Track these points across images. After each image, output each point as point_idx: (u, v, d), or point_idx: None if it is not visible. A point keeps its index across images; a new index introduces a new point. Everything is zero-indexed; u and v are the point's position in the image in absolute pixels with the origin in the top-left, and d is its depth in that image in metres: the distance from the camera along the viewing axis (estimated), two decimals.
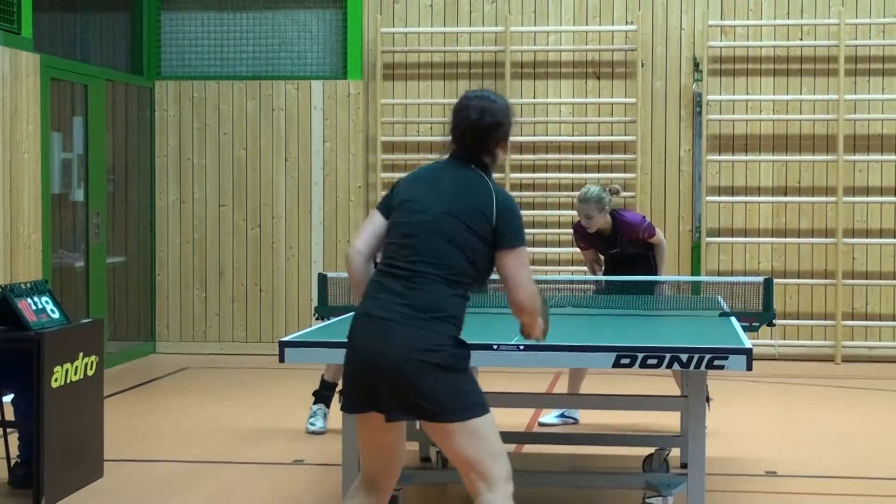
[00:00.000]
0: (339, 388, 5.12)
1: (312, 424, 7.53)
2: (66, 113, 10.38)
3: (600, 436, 6.89)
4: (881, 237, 10.91)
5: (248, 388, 9.43)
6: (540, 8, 11.18)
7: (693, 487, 5.01)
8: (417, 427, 6.19)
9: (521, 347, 4.71)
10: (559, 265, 11.01)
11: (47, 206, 9.40)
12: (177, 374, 10.27)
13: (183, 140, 11.37)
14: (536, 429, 7.66)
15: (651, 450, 6.33)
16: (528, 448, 6.96)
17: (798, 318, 10.95)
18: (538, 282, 4.16)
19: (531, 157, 11.17)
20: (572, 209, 10.30)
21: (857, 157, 10.87)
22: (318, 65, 11.49)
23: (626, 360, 4.71)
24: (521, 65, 11.21)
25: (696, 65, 10.97)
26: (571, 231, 7.89)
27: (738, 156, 11.01)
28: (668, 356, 4.68)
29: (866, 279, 10.92)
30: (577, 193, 7.63)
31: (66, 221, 10.31)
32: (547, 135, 11.23)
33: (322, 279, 6.66)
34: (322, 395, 7.55)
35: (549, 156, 11.19)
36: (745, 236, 11.03)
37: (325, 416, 7.55)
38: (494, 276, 4.13)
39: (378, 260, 4.15)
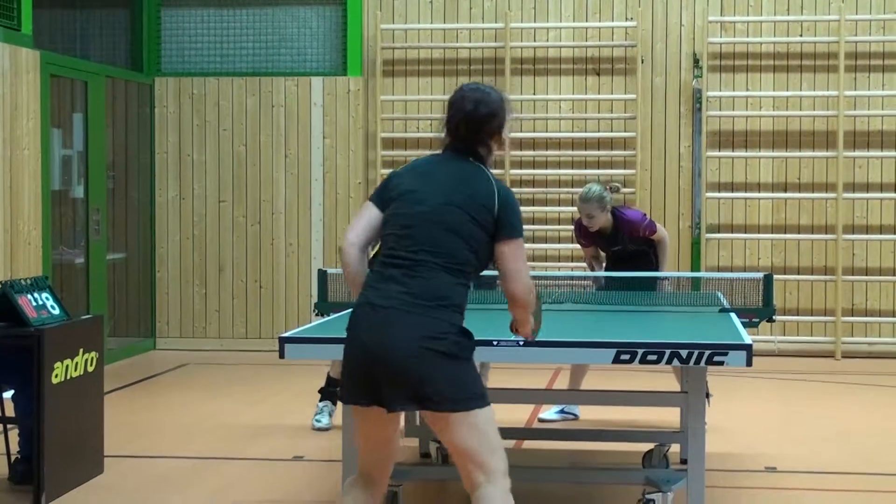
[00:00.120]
0: None
1: (318, 422, 7.53)
2: (66, 109, 10.37)
3: (600, 432, 6.88)
4: (881, 233, 10.91)
5: (247, 385, 9.43)
6: (540, 4, 11.18)
7: (693, 483, 5.00)
8: (418, 423, 6.22)
9: (521, 343, 4.71)
10: (559, 261, 11.01)
11: (47, 202, 9.41)
12: (177, 370, 10.27)
13: (183, 136, 11.37)
14: (536, 425, 7.66)
15: (651, 446, 6.33)
16: (528, 444, 6.96)
17: (798, 314, 10.96)
18: (536, 278, 4.17)
19: (531, 153, 11.17)
20: (572, 206, 10.32)
21: (857, 153, 10.87)
22: (317, 61, 11.49)
23: (625, 356, 4.71)
24: (521, 61, 11.21)
25: (696, 61, 10.97)
26: (571, 228, 7.89)
27: (737, 152, 11.01)
28: (667, 352, 4.68)
29: (866, 275, 10.92)
30: (576, 190, 7.64)
31: (66, 218, 10.32)
32: (547, 131, 11.23)
33: (322, 275, 6.66)
34: (328, 393, 7.54)
35: (549, 152, 11.19)
36: (745, 232, 11.04)
37: (330, 413, 7.54)
38: (495, 273, 4.14)
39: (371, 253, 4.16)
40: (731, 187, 11.04)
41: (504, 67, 11.04)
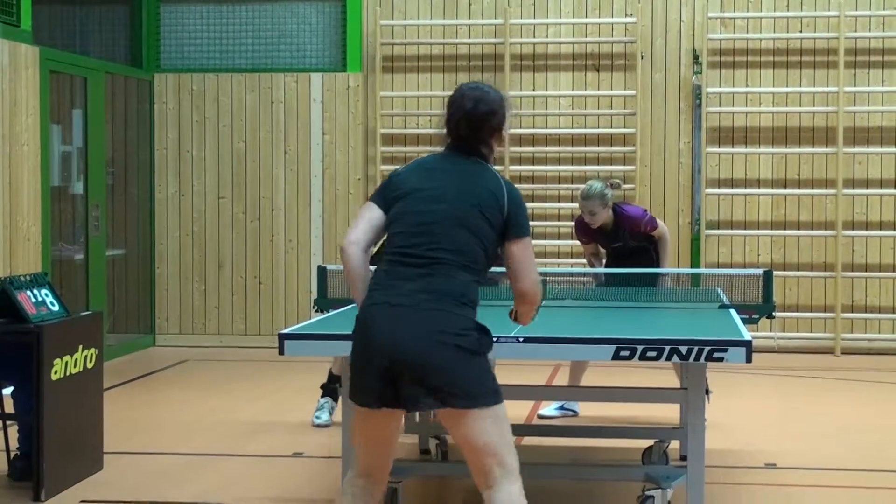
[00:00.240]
0: None
1: (318, 418, 7.52)
2: (65, 105, 10.37)
3: (600, 428, 6.88)
4: (881, 229, 10.90)
5: (247, 381, 9.42)
6: (539, 0, 11.16)
7: (692, 479, 5.00)
8: (417, 420, 6.22)
9: (521, 339, 4.71)
10: (559, 257, 11.00)
11: (47, 198, 9.40)
12: (176, 366, 10.27)
13: (182, 133, 11.37)
14: (536, 421, 7.66)
15: (650, 442, 6.33)
16: (528, 440, 6.95)
17: (797, 311, 10.96)
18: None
19: (531, 149, 11.16)
20: (572, 202, 10.33)
21: (857, 149, 10.86)
22: (317, 57, 11.48)
23: (625, 353, 4.71)
24: (521, 57, 11.20)
25: (696, 57, 10.96)
26: (571, 224, 7.88)
27: (737, 148, 11.01)
28: (667, 348, 4.68)
29: (866, 271, 10.92)
30: (576, 186, 7.64)
31: (66, 214, 10.31)
32: (546, 127, 11.22)
33: (321, 271, 6.65)
34: (329, 389, 7.53)
35: (549, 148, 11.19)
36: (745, 228, 11.03)
37: (331, 410, 7.53)
38: (500, 269, 4.15)
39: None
40: (731, 183, 11.03)
41: (504, 64, 11.03)
